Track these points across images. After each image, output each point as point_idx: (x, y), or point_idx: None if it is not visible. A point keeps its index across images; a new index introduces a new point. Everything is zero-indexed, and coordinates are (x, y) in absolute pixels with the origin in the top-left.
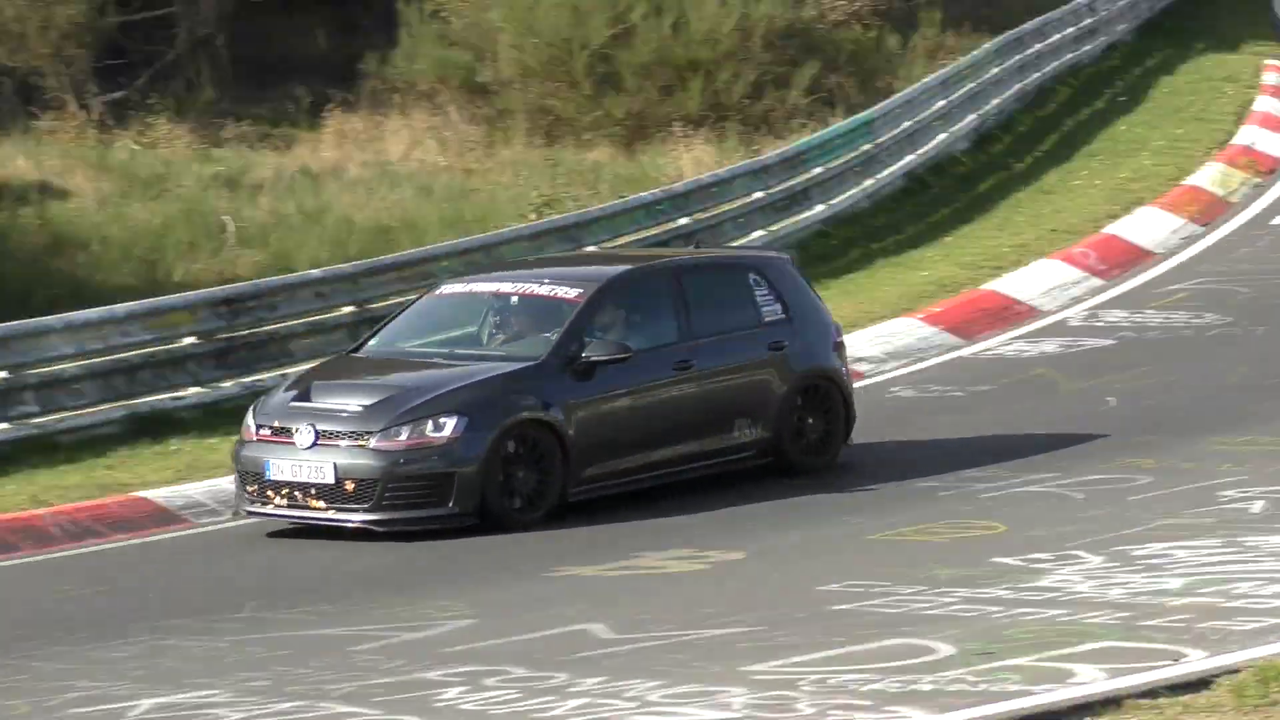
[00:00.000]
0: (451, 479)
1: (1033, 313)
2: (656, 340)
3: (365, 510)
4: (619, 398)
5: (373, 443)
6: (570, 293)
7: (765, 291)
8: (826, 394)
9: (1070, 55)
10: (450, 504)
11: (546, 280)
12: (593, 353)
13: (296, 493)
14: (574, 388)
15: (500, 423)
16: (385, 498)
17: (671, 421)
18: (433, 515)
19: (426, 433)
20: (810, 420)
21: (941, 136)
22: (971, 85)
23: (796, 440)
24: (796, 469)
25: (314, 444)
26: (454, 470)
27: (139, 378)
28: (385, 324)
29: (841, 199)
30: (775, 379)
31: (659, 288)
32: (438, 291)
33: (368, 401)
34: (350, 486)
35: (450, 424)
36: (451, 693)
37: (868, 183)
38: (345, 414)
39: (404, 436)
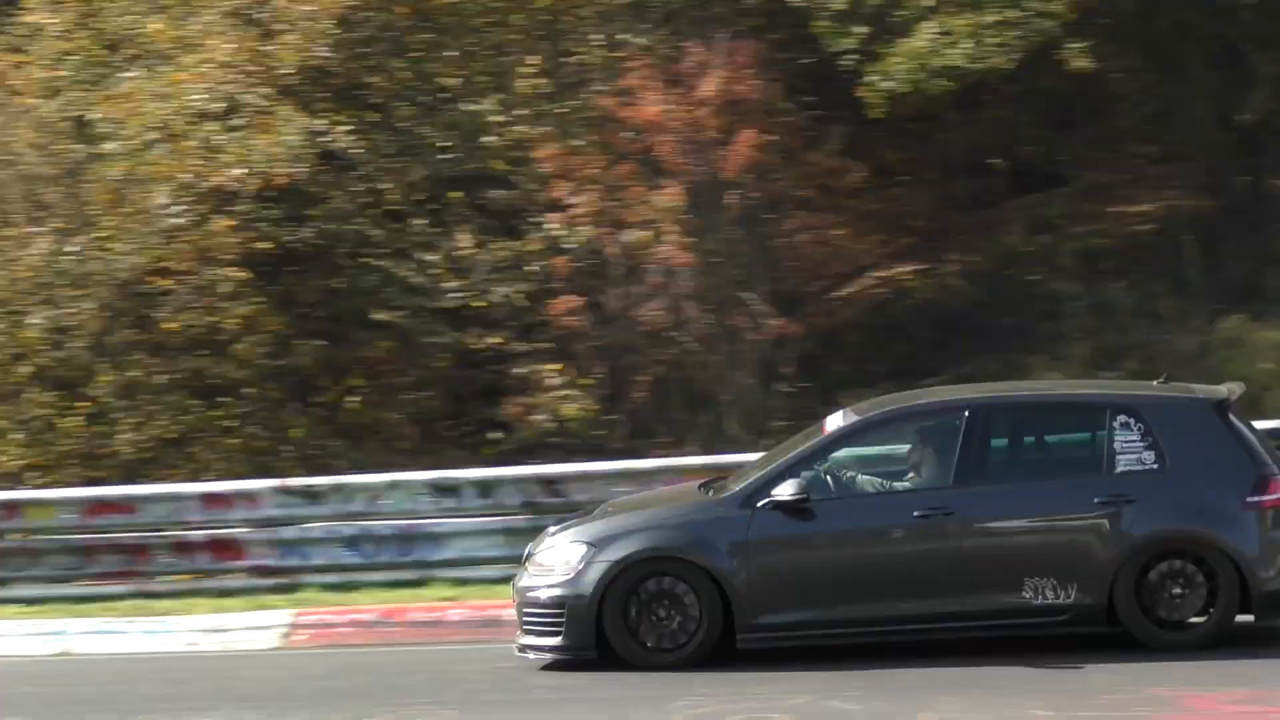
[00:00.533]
0: (563, 610)
1: None
2: (912, 484)
3: (519, 634)
4: (823, 544)
5: (529, 566)
6: (831, 426)
7: (1134, 438)
8: (1206, 562)
9: None
10: (561, 637)
11: (851, 414)
12: (777, 494)
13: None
14: (759, 527)
15: (622, 557)
16: (523, 623)
17: (909, 574)
18: (552, 645)
19: (559, 560)
20: (1178, 591)
21: None
22: None
23: (1144, 609)
24: (1148, 643)
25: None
26: (565, 601)
27: None
28: None
29: None
30: (1102, 537)
31: (940, 429)
32: None
33: (572, 529)
34: (515, 609)
35: (577, 554)
36: None
37: None
38: (549, 537)
39: (545, 563)
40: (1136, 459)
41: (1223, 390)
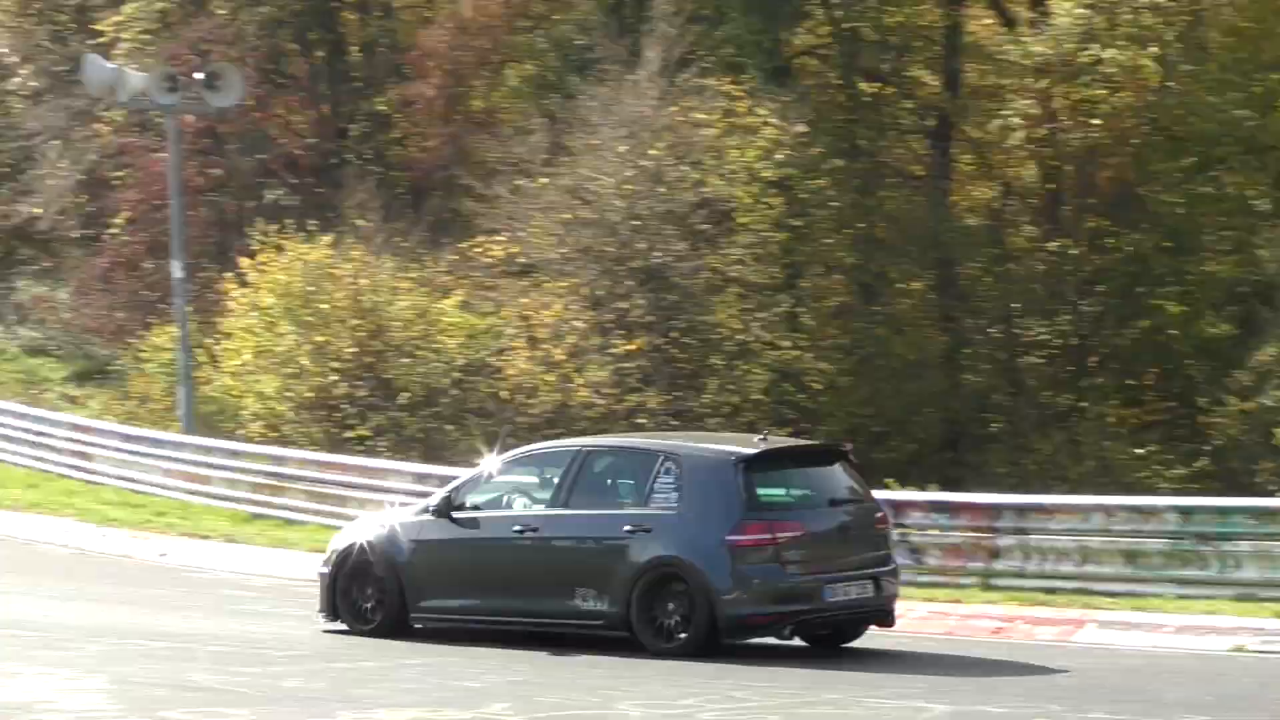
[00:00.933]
0: (320, 585)
1: None
2: (529, 506)
3: None
4: (457, 547)
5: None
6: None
7: (670, 481)
8: (685, 586)
9: None
10: (319, 606)
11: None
12: (431, 504)
13: None
14: (428, 531)
15: (344, 547)
16: None
17: (505, 577)
18: (319, 612)
19: (330, 546)
20: (670, 608)
21: None
22: None
23: (647, 622)
24: (650, 649)
25: None
26: (322, 578)
27: None
28: None
29: None
30: (623, 560)
31: (556, 464)
32: None
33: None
34: None
35: (333, 544)
36: None
37: None
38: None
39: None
40: (666, 498)
41: (759, 446)
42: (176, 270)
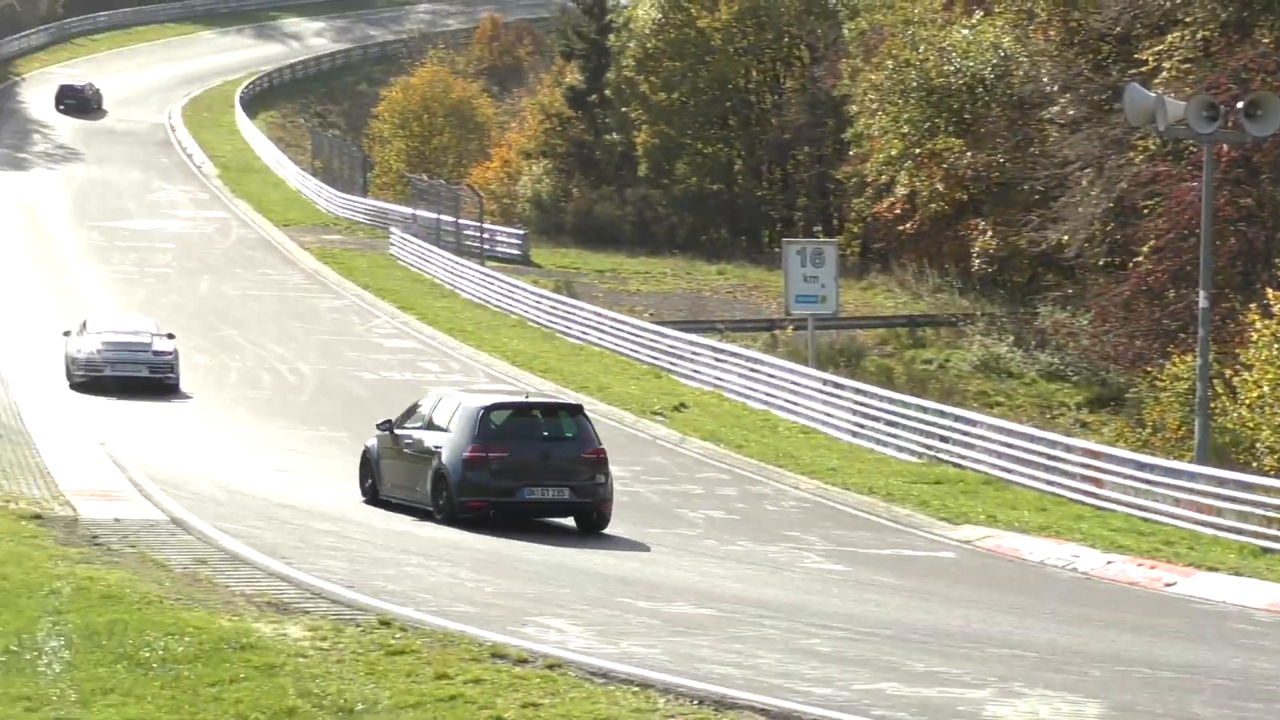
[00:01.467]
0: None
1: None
2: (417, 430)
3: None
4: (390, 452)
5: None
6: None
7: (457, 418)
8: (446, 482)
9: None
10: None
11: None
12: (378, 424)
13: None
14: (385, 441)
15: (364, 449)
16: None
17: (402, 473)
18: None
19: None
20: (443, 494)
21: None
22: None
23: (435, 502)
24: (435, 516)
25: None
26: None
27: None
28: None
29: None
30: (430, 465)
31: (428, 407)
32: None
33: None
34: None
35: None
36: None
37: None
38: None
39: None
40: (453, 428)
41: (508, 399)
42: (1201, 300)
